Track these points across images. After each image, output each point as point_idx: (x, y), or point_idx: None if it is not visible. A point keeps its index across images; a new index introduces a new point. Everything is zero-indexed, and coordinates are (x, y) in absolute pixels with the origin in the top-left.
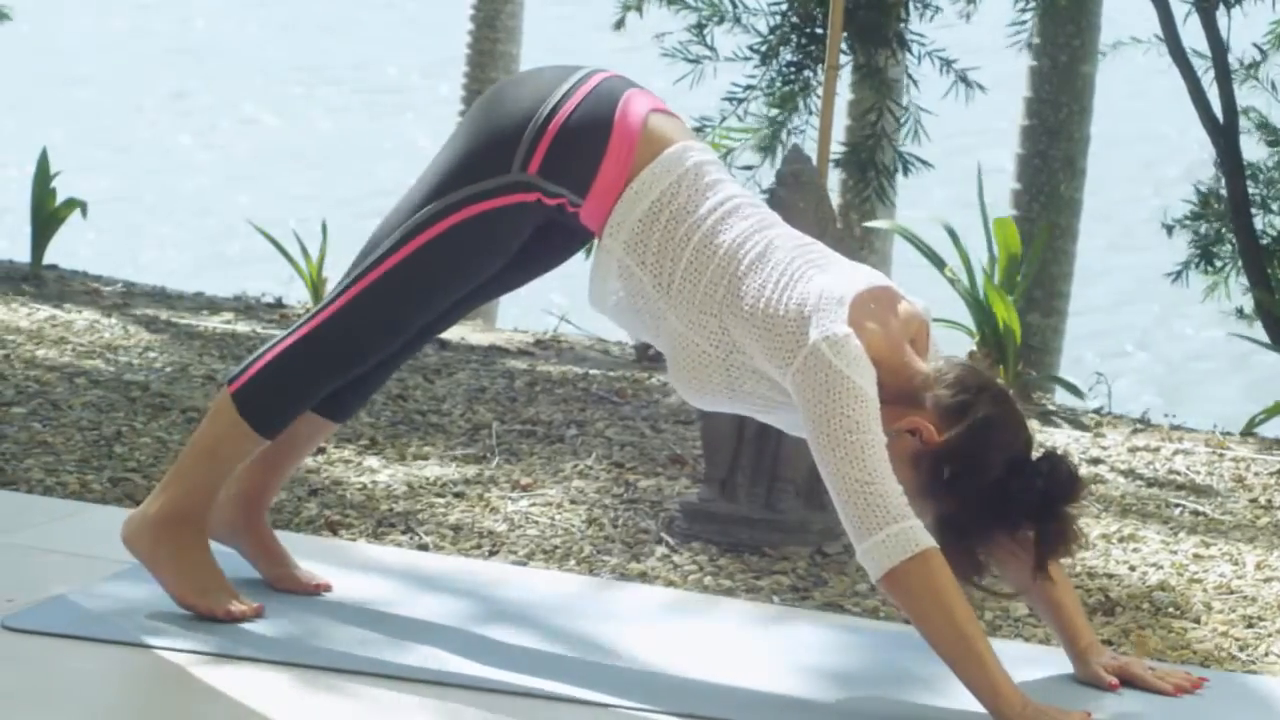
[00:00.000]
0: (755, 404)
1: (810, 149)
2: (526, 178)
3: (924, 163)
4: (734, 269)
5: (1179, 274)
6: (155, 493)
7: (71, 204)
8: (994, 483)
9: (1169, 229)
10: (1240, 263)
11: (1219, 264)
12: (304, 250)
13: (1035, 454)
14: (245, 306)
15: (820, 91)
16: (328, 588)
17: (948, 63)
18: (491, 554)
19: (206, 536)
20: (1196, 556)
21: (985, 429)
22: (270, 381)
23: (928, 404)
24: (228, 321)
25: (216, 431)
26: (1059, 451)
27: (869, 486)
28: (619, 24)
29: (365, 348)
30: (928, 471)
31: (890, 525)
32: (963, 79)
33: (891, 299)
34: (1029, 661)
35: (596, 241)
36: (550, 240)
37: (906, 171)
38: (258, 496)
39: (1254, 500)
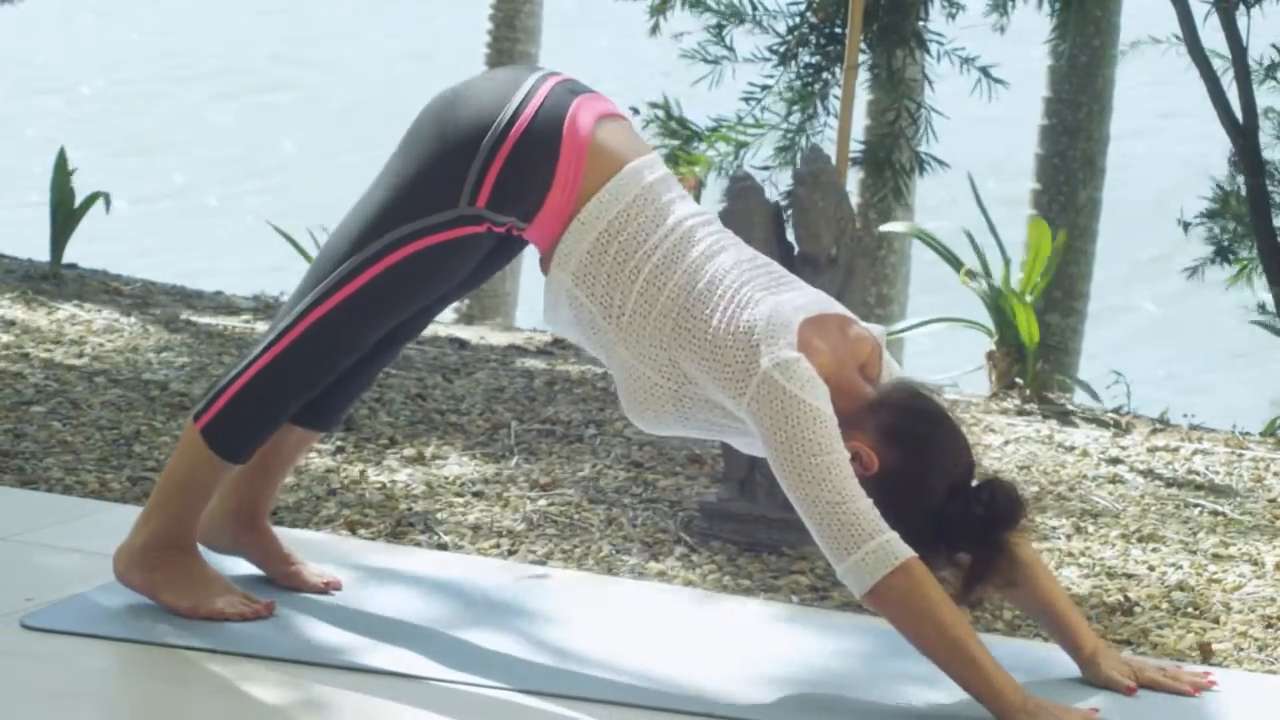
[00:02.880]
0: (709, 430)
1: (829, 150)
2: (475, 211)
3: (940, 162)
4: (683, 301)
5: (1195, 270)
6: (138, 525)
7: (94, 197)
8: (933, 508)
9: (1185, 226)
10: (1260, 261)
11: (1239, 261)
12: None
13: (978, 480)
14: (264, 306)
15: (839, 92)
16: (337, 585)
17: (967, 61)
18: (510, 553)
19: (198, 551)
20: (1216, 557)
21: (924, 454)
22: (234, 414)
23: (870, 427)
24: (246, 321)
25: (188, 464)
26: (1002, 478)
27: (840, 506)
28: (653, 30)
29: (323, 372)
30: (868, 494)
31: (867, 542)
32: (985, 73)
33: (841, 323)
34: (1046, 662)
35: (540, 265)
36: (509, 243)
37: (923, 171)
38: (253, 507)
39: (1273, 500)
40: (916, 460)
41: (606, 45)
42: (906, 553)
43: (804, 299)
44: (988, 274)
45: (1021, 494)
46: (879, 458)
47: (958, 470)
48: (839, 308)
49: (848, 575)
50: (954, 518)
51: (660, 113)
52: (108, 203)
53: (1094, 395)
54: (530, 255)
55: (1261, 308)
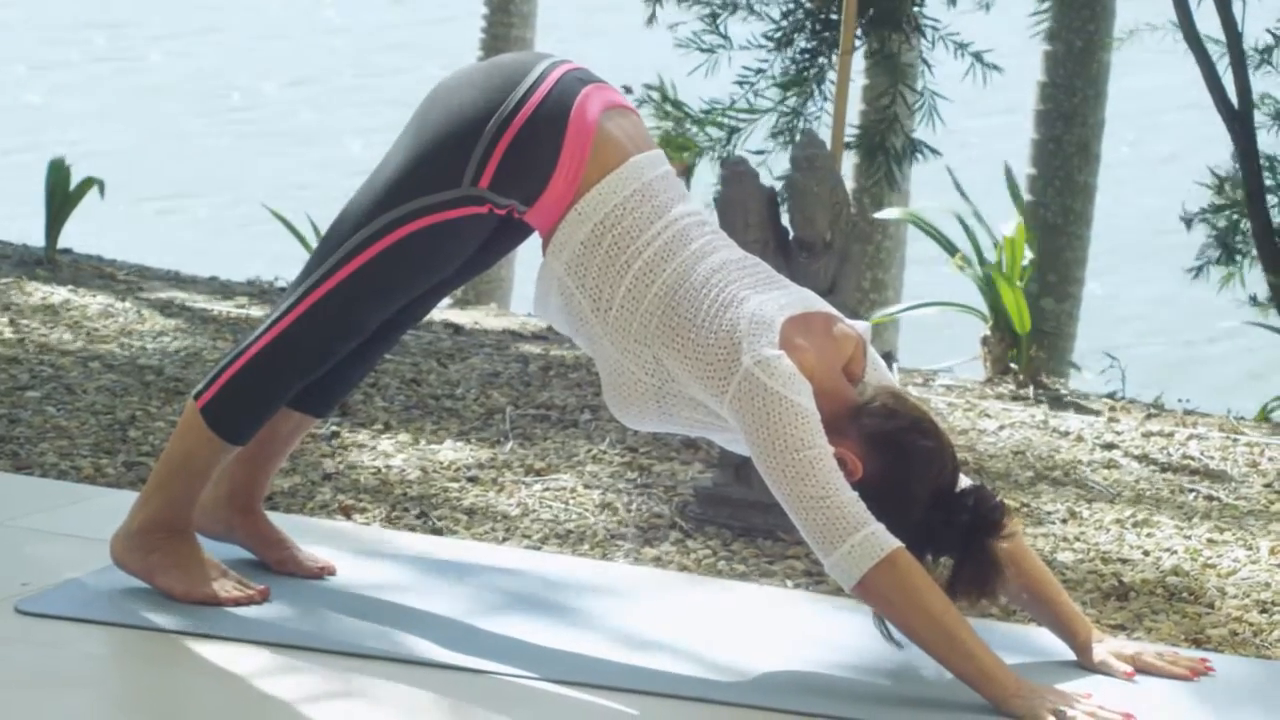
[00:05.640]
0: (691, 427)
1: (825, 135)
2: (478, 191)
3: (933, 150)
4: (669, 300)
5: (1200, 270)
6: (135, 508)
7: (88, 182)
8: (916, 516)
9: (1188, 222)
10: (1256, 247)
11: (1237, 255)
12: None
13: (961, 487)
14: (259, 290)
15: (835, 76)
16: (331, 570)
17: (962, 46)
18: (505, 539)
19: (194, 535)
20: (1210, 542)
21: (908, 462)
22: (235, 393)
23: (854, 434)
24: (241, 305)
25: (188, 445)
26: (985, 486)
27: (824, 500)
28: (650, 20)
29: (326, 352)
30: None
31: (853, 535)
32: (978, 59)
33: (825, 321)
34: (1040, 647)
35: (542, 250)
36: (513, 230)
37: (915, 157)
38: (248, 492)
39: (1268, 485)
40: (900, 468)
41: (601, 31)
42: (893, 543)
43: (788, 298)
44: (980, 259)
45: (1004, 502)
46: (863, 464)
47: (941, 479)
48: (824, 306)
49: (835, 568)
50: (937, 525)
51: (655, 94)
52: (102, 189)
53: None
54: (526, 242)
55: (1253, 299)
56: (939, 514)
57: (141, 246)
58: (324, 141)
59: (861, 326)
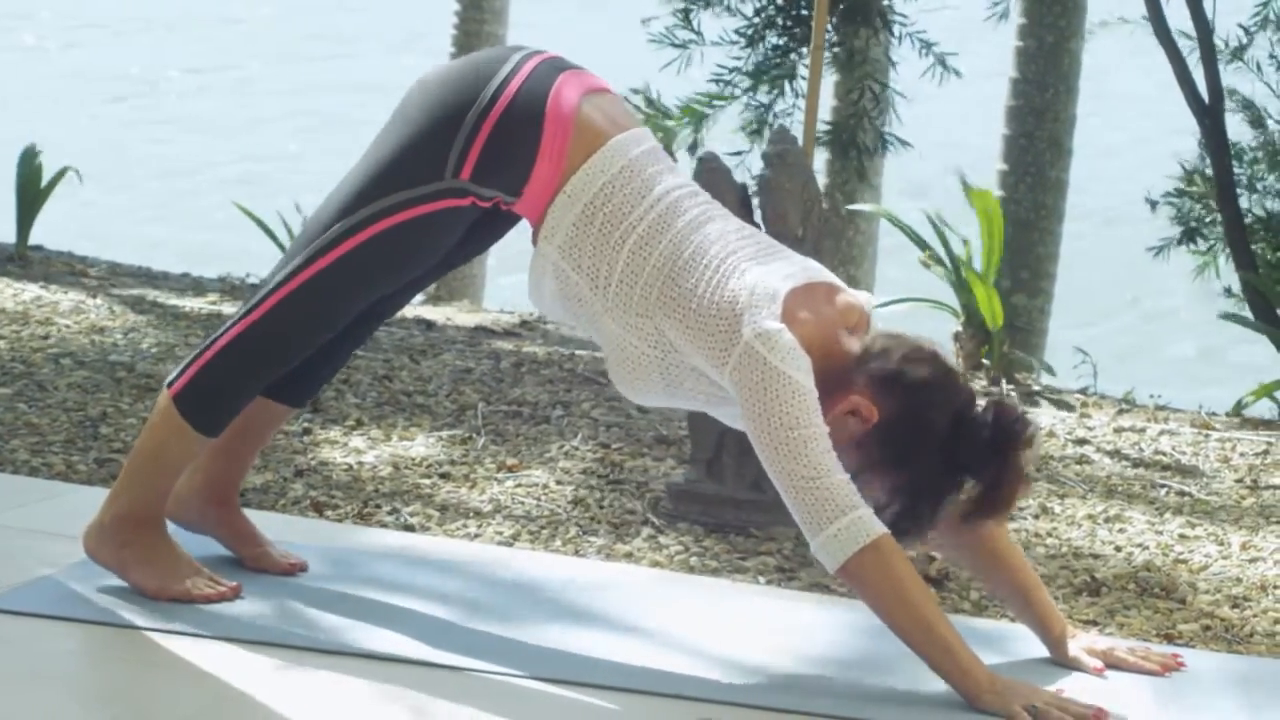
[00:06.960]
0: (695, 400)
1: (797, 131)
2: (459, 183)
3: (903, 142)
4: (668, 270)
5: (1161, 250)
6: (108, 501)
7: (60, 172)
8: (941, 443)
9: (1153, 204)
10: (1226, 242)
11: (1204, 243)
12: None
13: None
14: (231, 287)
15: (805, 73)
16: (303, 567)
17: (928, 45)
18: (477, 535)
19: (167, 531)
20: (1182, 537)
21: (921, 391)
22: (209, 383)
23: (861, 381)
24: (213, 302)
25: (161, 436)
26: (1003, 399)
27: (815, 481)
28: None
29: (300, 343)
30: (874, 448)
31: (841, 518)
32: (940, 62)
33: (828, 291)
34: (1014, 642)
35: (532, 239)
36: (492, 223)
37: (886, 150)
38: (224, 484)
39: (1239, 480)
40: (915, 400)
41: (576, 27)
42: (879, 529)
43: (791, 268)
44: (952, 257)
45: (1025, 412)
46: (877, 408)
47: (958, 400)
48: (828, 276)
49: (821, 550)
50: (963, 447)
51: (640, 99)
52: (79, 175)
53: (1050, 370)
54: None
55: (1228, 291)
56: (963, 435)
57: (92, 239)
58: (280, 133)
59: (865, 298)
